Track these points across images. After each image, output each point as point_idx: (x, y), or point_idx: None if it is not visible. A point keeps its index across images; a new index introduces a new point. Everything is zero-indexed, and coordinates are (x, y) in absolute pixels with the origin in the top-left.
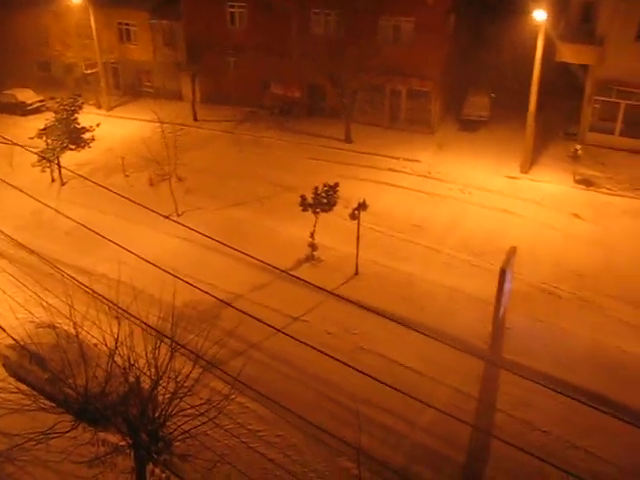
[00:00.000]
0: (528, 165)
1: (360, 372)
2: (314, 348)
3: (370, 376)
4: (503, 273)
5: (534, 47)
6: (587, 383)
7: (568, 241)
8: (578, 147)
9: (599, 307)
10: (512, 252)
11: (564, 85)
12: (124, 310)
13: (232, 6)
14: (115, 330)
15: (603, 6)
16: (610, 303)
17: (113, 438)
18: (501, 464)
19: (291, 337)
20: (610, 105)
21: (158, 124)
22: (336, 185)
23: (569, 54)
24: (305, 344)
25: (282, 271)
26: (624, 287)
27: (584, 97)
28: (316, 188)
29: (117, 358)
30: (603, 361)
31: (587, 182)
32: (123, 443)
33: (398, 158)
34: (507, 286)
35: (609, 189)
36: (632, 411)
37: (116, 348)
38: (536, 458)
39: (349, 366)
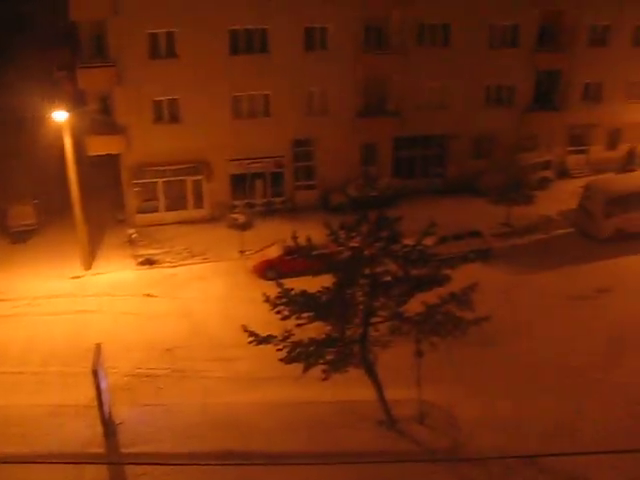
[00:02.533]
0: (89, 261)
1: None
2: None
3: None
4: (95, 373)
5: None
6: (213, 445)
7: (150, 321)
8: (131, 231)
9: (196, 372)
10: (98, 350)
11: (109, 174)
12: None
13: None
14: None
15: (116, 96)
16: (204, 365)
17: None
18: None
19: None
20: (149, 185)
21: None
22: None
23: (97, 147)
24: None
25: None
26: (211, 346)
27: (123, 183)
28: None
29: None
30: (218, 419)
31: (149, 261)
32: None
33: None
34: (104, 384)
35: (170, 262)
36: (257, 454)
37: None
38: None
39: None
